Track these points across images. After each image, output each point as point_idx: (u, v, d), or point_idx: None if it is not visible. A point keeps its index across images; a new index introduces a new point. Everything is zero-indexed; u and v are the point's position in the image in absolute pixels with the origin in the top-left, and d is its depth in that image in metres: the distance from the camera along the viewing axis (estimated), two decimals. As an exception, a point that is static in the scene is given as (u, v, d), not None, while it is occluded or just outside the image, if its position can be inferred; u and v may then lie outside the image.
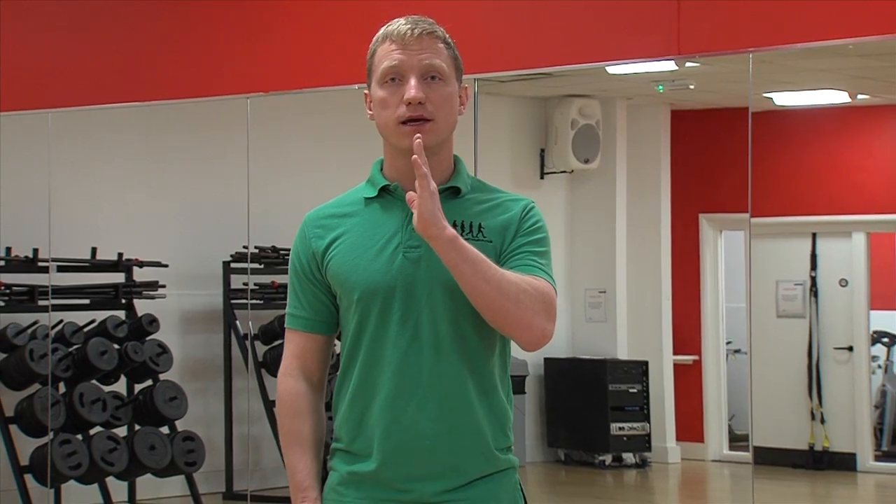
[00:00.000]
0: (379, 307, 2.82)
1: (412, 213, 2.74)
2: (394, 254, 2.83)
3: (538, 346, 2.83)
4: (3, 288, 8.40)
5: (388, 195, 2.88)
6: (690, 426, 10.58)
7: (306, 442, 2.88)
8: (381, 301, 2.82)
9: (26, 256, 8.37)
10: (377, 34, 2.91)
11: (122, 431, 8.59)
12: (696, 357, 10.73)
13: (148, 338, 8.82)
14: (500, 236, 2.86)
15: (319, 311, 2.91)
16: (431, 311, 2.82)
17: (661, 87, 9.91)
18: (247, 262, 8.22)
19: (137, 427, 8.66)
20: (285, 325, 2.97)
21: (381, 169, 2.92)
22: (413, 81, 2.82)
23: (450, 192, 2.87)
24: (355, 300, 2.83)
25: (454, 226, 2.79)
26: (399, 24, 2.86)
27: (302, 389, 2.90)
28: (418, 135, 2.77)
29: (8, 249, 8.37)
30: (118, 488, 8.62)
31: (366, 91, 2.93)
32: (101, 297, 8.82)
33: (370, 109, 2.92)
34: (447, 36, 2.91)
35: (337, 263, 2.86)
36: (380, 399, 2.83)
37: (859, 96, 9.85)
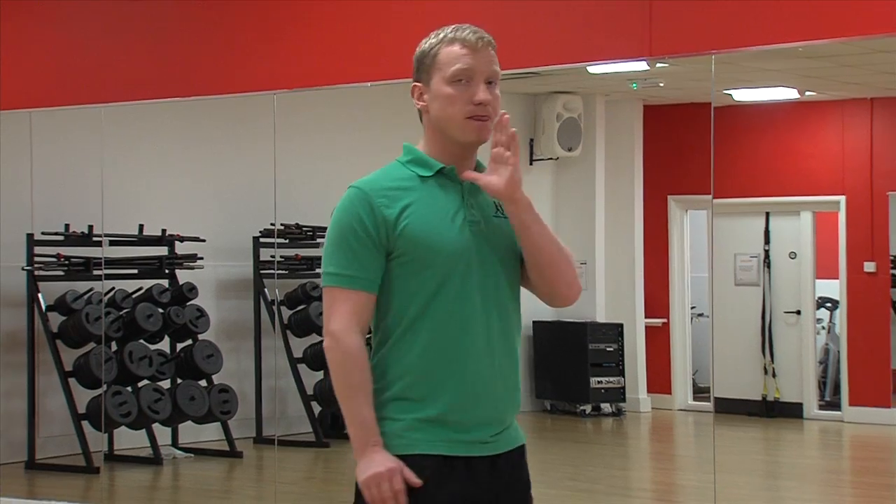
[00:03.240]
0: (461, 270, 2.80)
1: (469, 191, 2.85)
2: (462, 226, 2.83)
3: (573, 302, 2.97)
4: (62, 259, 8.39)
5: (443, 176, 2.87)
6: (660, 380, 10.56)
7: (370, 393, 2.79)
8: (464, 264, 2.81)
9: (83, 232, 8.34)
10: (437, 37, 2.89)
11: (166, 384, 8.59)
12: (664, 320, 10.70)
13: (188, 303, 8.80)
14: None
15: (377, 272, 2.80)
16: (496, 276, 2.86)
17: (634, 84, 9.86)
18: (274, 237, 8.19)
19: (179, 380, 8.66)
20: (334, 286, 2.79)
21: (425, 154, 2.89)
22: (482, 85, 2.86)
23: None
24: (438, 262, 2.78)
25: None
26: (466, 32, 2.88)
27: (363, 345, 2.80)
28: (506, 114, 2.87)
29: (67, 226, 8.36)
30: (163, 433, 8.61)
31: (417, 84, 2.89)
32: (148, 268, 8.80)
33: (421, 101, 2.89)
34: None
35: (415, 229, 2.78)
36: (456, 352, 2.79)
37: (807, 93, 9.80)
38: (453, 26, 2.90)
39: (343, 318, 2.77)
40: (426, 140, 2.91)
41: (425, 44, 2.90)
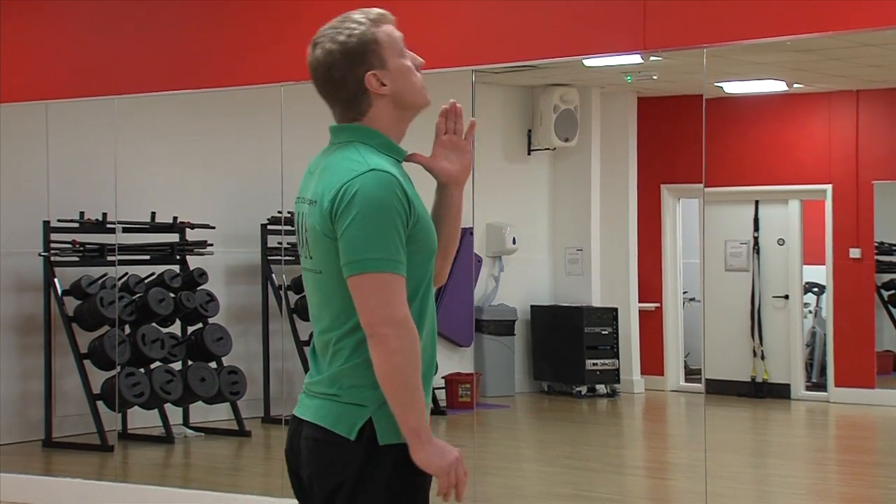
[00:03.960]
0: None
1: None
2: None
3: (443, 283, 2.91)
4: (77, 246, 8.39)
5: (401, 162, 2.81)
6: (653, 362, 10.58)
7: None
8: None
9: (97, 219, 8.34)
10: (358, 23, 2.75)
11: (177, 366, 8.60)
12: (657, 304, 10.72)
13: (198, 288, 8.81)
14: None
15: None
16: None
17: (629, 77, 9.86)
18: (281, 224, 8.19)
19: (190, 362, 8.67)
20: (389, 271, 2.60)
21: (387, 140, 2.78)
22: (409, 52, 2.81)
23: None
24: (433, 246, 2.73)
25: None
26: (380, 11, 2.79)
27: None
28: (456, 102, 2.84)
29: (82, 213, 8.36)
30: (174, 413, 8.63)
31: (374, 72, 2.73)
32: (159, 254, 8.80)
33: (384, 84, 2.73)
34: None
35: (423, 215, 2.71)
36: (434, 335, 2.77)
37: (795, 85, 9.80)
38: (357, 11, 2.79)
39: (405, 306, 2.61)
40: (385, 123, 2.77)
41: (355, 32, 2.74)
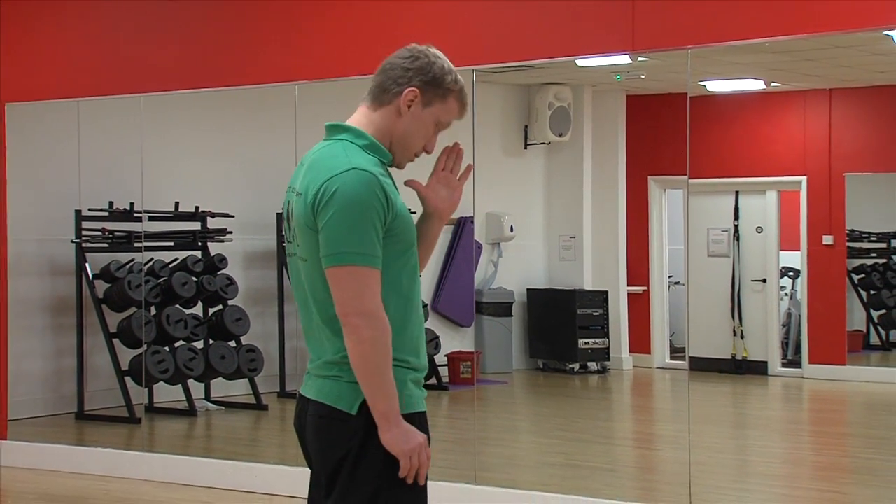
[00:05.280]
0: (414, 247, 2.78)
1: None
2: None
3: None
4: (107, 233, 8.40)
5: (386, 164, 2.80)
6: (640, 341, 10.58)
7: None
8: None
9: (125, 208, 8.35)
10: (454, 77, 2.78)
11: (199, 344, 8.61)
12: (645, 287, 10.72)
13: (218, 272, 8.82)
14: None
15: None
16: None
17: (618, 76, 9.85)
18: (295, 213, 8.20)
19: (211, 341, 8.69)
20: (362, 265, 2.61)
21: (377, 140, 2.77)
22: (436, 137, 2.84)
23: None
24: (412, 240, 2.74)
25: None
26: (467, 97, 2.84)
27: None
28: (459, 144, 2.92)
29: (110, 203, 8.37)
30: (197, 388, 8.65)
31: (418, 96, 2.75)
32: (183, 241, 8.81)
33: (409, 108, 2.74)
34: None
35: (403, 211, 2.71)
36: (421, 321, 2.79)
37: (772, 84, 9.78)
38: (462, 80, 2.81)
39: (376, 298, 2.61)
40: (381, 130, 2.77)
41: (445, 69, 2.77)
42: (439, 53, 2.81)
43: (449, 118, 2.81)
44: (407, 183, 2.85)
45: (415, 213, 2.84)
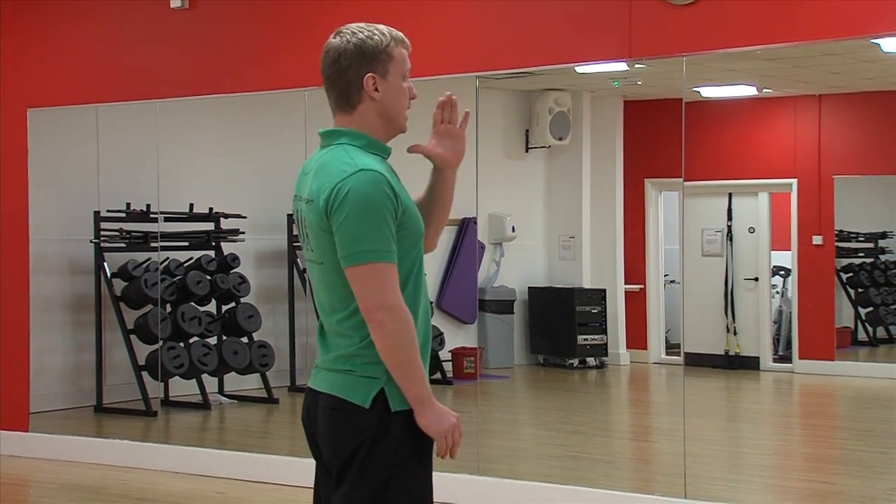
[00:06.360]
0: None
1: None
2: None
3: (433, 250, 2.93)
4: (124, 233, 8.40)
5: (387, 158, 2.80)
6: (637, 337, 10.58)
7: None
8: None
9: (141, 210, 8.36)
10: (381, 34, 2.73)
11: (213, 341, 8.61)
12: (641, 286, 10.71)
13: (232, 271, 8.82)
14: None
15: None
16: None
17: (616, 82, 9.84)
18: (305, 214, 8.19)
19: (224, 337, 8.68)
20: (380, 261, 2.61)
21: (372, 137, 2.76)
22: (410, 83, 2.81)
23: None
24: (420, 234, 2.73)
25: None
26: (402, 36, 2.79)
27: None
28: (452, 94, 2.88)
29: (128, 205, 8.37)
30: (210, 382, 8.65)
31: (374, 76, 2.72)
32: (197, 241, 8.81)
33: (377, 90, 2.73)
34: None
35: (411, 205, 2.71)
36: (427, 315, 2.78)
37: (764, 90, 9.76)
38: (384, 27, 2.78)
39: (396, 292, 2.62)
40: (369, 124, 2.75)
41: (373, 39, 2.73)
42: (350, 28, 2.77)
43: (407, 64, 2.79)
44: (410, 149, 2.83)
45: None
